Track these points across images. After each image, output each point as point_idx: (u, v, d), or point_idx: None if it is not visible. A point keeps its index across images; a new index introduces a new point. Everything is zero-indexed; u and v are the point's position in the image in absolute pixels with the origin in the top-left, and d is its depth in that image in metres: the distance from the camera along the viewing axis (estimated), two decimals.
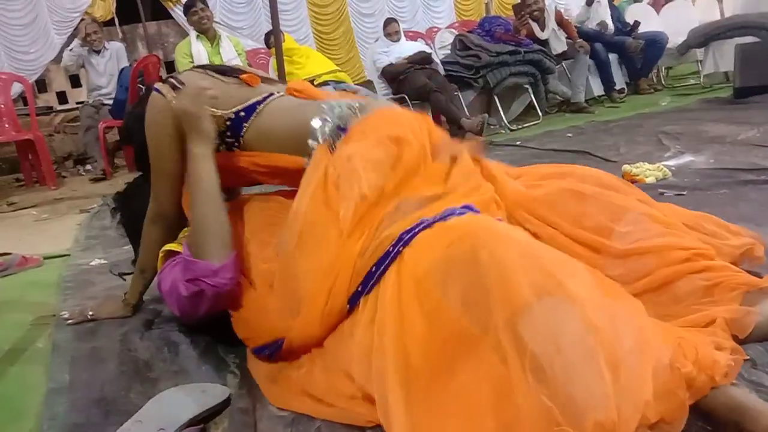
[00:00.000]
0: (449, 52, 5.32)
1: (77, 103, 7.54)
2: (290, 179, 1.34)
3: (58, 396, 1.22)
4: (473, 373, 0.83)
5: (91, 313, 1.61)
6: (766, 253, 1.25)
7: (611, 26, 5.78)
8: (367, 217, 1.10)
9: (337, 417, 1.00)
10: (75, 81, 8.45)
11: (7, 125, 4.73)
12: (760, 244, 1.24)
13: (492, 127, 4.80)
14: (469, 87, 4.90)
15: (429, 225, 0.99)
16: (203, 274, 1.23)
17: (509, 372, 0.78)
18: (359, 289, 1.04)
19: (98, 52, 5.08)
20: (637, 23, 5.89)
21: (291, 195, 1.31)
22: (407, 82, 4.77)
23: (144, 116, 1.42)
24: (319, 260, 1.10)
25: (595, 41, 5.41)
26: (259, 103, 1.40)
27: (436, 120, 5.09)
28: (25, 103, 5.98)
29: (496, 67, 4.77)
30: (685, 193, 2.10)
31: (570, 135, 3.97)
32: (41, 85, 8.44)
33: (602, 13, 5.80)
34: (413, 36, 6.16)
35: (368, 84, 5.55)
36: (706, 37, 5.28)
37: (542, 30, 5.20)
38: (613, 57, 5.54)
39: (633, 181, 2.26)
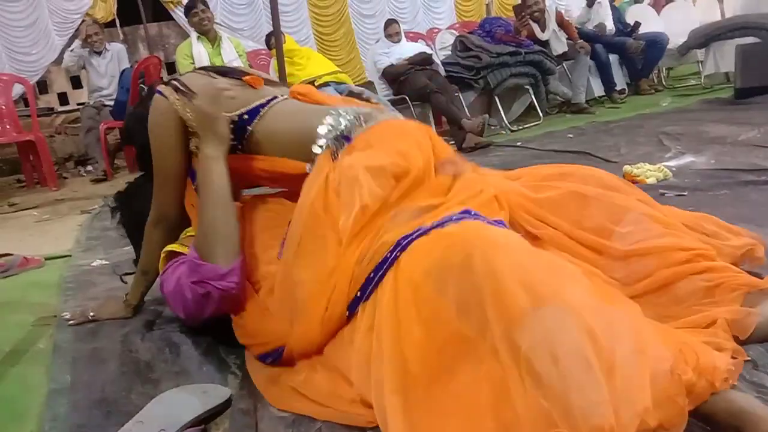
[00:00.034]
0: (450, 53, 5.32)
1: (78, 104, 7.56)
2: (292, 184, 1.33)
3: (60, 397, 1.22)
4: (472, 374, 0.83)
5: (92, 313, 1.61)
6: (767, 253, 1.25)
7: (610, 28, 5.78)
8: (367, 227, 1.10)
9: (337, 418, 1.00)
10: (76, 82, 8.46)
11: (8, 126, 4.74)
12: (760, 244, 1.24)
13: (492, 127, 4.80)
14: (470, 88, 4.90)
15: (426, 232, 0.99)
16: (210, 277, 1.22)
17: (507, 379, 0.79)
18: (358, 295, 1.04)
19: (99, 53, 5.08)
20: (637, 24, 5.90)
21: (292, 196, 1.31)
22: (408, 83, 4.77)
23: (145, 117, 1.42)
24: (318, 268, 1.09)
25: (595, 42, 5.41)
26: (262, 105, 1.39)
27: (437, 120, 5.10)
28: (26, 105, 5.98)
29: (496, 68, 4.76)
30: (685, 193, 2.11)
31: (571, 136, 3.98)
32: (42, 86, 8.47)
33: (603, 15, 5.81)
34: (414, 37, 6.16)
35: (369, 85, 5.55)
36: (706, 37, 5.29)
37: (543, 31, 5.21)
38: (613, 58, 5.54)
39: (634, 182, 2.26)
